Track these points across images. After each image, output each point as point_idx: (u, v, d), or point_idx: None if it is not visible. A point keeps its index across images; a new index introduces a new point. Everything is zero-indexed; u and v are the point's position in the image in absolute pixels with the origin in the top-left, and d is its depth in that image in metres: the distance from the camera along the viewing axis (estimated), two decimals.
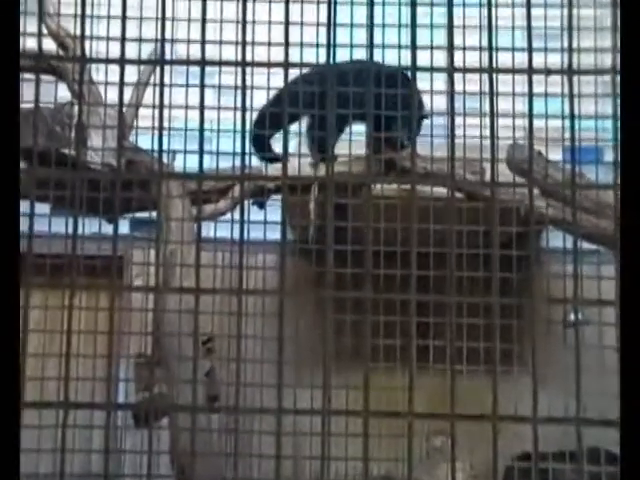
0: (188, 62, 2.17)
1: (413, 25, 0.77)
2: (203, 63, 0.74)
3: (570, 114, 0.79)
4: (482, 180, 2.06)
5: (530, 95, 0.73)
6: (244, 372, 2.04)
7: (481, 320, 1.83)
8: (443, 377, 1.83)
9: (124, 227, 2.48)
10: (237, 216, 2.31)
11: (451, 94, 0.78)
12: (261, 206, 2.39)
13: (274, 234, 2.24)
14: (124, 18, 0.75)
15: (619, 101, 0.70)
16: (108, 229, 2.18)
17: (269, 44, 2.08)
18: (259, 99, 2.25)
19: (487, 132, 2.08)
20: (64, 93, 2.29)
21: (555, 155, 2.23)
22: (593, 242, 2.03)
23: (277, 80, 2.15)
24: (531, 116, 0.76)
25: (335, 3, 0.81)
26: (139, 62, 1.14)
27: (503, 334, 2.03)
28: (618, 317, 0.69)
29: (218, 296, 1.90)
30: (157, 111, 1.15)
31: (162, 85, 0.94)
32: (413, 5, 0.77)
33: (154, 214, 2.35)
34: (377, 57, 2.12)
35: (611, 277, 1.86)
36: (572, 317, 2.28)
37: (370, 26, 0.82)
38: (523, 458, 2.28)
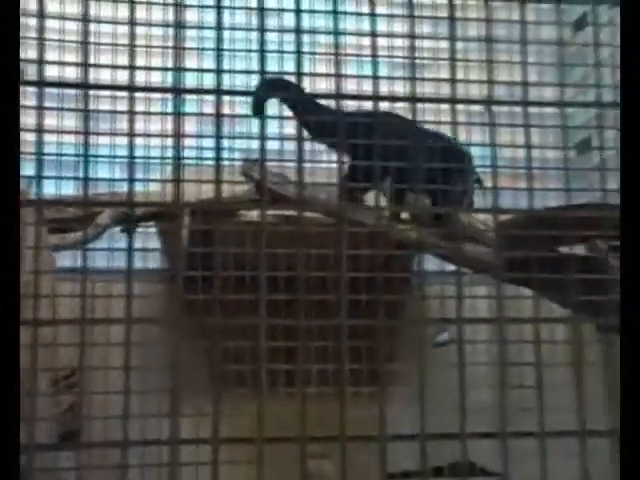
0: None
1: (262, 51, 0.78)
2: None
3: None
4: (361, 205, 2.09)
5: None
6: (108, 404, 1.97)
7: (353, 342, 1.85)
8: (307, 401, 1.83)
9: None
10: (106, 244, 2.24)
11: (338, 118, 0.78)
12: (130, 233, 2.32)
13: (148, 262, 2.19)
14: None
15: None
16: None
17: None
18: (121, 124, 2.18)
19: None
20: None
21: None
22: (454, 264, 2.10)
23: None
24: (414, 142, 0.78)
25: (182, 28, 0.81)
26: None
27: (373, 355, 2.06)
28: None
29: (87, 327, 1.82)
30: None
31: (18, 107, 0.89)
32: (262, 32, 0.78)
33: None
34: (226, 81, 2.10)
35: (471, 296, 1.93)
36: (441, 336, 2.36)
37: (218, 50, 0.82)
38: (392, 477, 2.32)
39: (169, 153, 2.17)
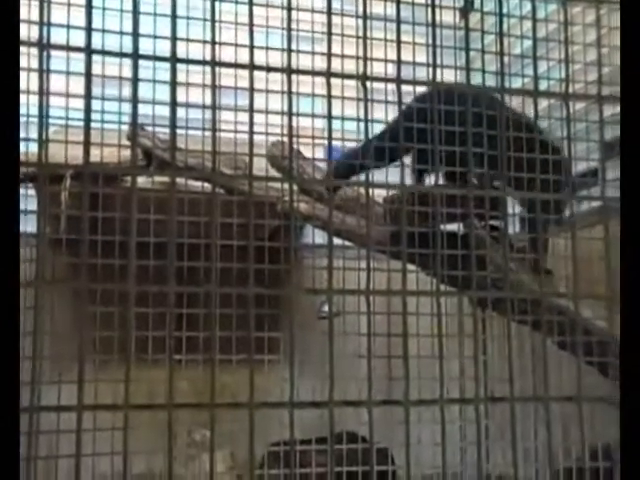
0: None
1: (135, 12, 0.77)
2: None
3: (328, 115, 0.82)
4: (242, 174, 2.09)
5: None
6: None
7: (238, 310, 1.86)
8: (202, 369, 1.84)
9: None
10: None
11: (212, 88, 0.77)
12: None
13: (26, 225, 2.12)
14: None
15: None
16: None
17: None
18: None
19: (245, 128, 2.12)
20: None
21: (313, 154, 2.32)
22: (341, 237, 2.14)
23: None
24: (291, 114, 0.78)
25: None
26: None
27: (261, 324, 2.08)
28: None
29: None
30: None
31: None
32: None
33: None
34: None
35: (354, 268, 1.95)
36: (325, 308, 2.40)
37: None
38: (278, 445, 2.35)
39: (53, 113, 2.09)
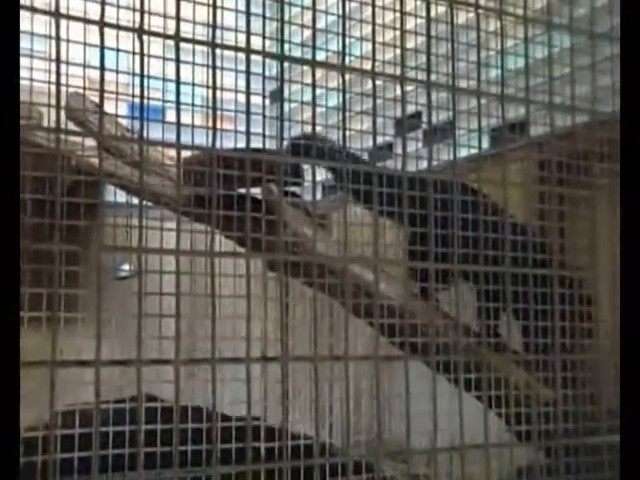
0: None
1: None
2: None
3: (140, 72, 0.80)
4: (36, 126, 1.99)
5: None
6: None
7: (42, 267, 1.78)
8: None
9: None
10: None
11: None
12: None
13: None
14: None
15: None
16: None
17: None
18: None
19: (46, 77, 2.01)
20: None
21: (121, 111, 2.24)
22: (139, 197, 2.11)
23: None
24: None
25: None
26: None
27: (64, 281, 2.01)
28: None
29: None
30: None
31: None
32: None
33: None
34: None
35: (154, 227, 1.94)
36: (124, 269, 2.36)
37: None
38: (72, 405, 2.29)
39: None
